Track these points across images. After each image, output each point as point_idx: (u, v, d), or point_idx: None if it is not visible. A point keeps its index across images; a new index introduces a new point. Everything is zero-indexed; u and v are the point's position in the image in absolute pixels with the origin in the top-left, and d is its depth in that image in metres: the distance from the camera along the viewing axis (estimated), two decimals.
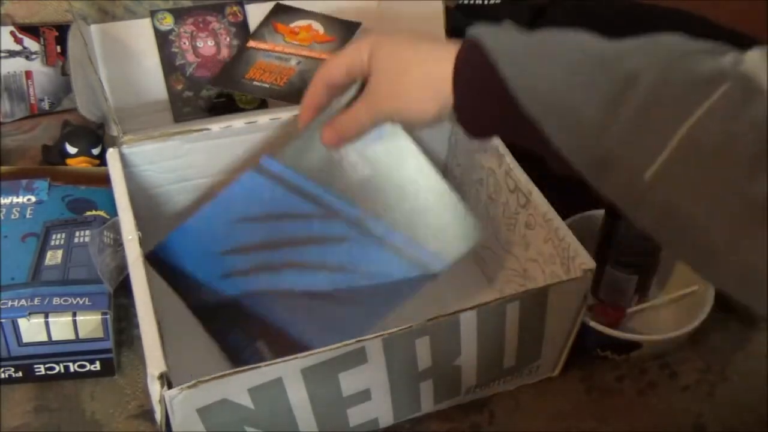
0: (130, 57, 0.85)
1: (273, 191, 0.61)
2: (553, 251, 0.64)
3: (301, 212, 0.62)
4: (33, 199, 0.73)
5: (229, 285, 0.63)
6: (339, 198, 0.62)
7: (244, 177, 0.61)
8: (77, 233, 0.71)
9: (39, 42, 0.92)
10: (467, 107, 0.52)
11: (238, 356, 0.64)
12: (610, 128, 0.43)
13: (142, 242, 0.60)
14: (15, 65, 0.91)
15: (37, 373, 0.66)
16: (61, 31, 0.92)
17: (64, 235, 0.70)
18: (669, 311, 0.74)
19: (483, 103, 0.50)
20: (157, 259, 0.63)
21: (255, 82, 0.84)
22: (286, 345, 0.62)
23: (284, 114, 0.73)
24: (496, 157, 0.70)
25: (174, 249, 0.63)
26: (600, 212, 0.72)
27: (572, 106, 0.44)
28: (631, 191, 0.43)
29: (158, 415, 0.52)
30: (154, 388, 0.50)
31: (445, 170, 0.81)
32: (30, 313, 0.63)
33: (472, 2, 0.91)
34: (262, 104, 0.88)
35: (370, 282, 0.62)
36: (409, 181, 0.62)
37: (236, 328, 0.64)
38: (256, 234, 0.62)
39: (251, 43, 0.88)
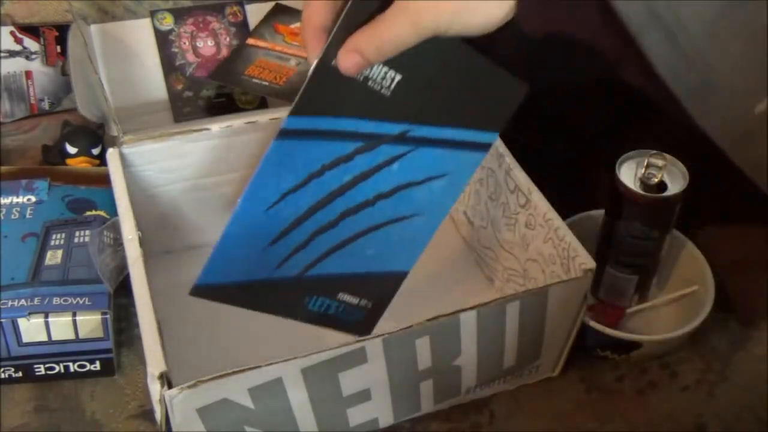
0: (130, 57, 0.86)
1: (305, 149, 0.53)
2: (553, 251, 0.64)
3: (341, 155, 0.54)
4: (33, 199, 0.73)
5: (289, 268, 0.57)
6: (375, 120, 0.54)
7: (270, 151, 0.52)
8: (77, 233, 0.71)
9: (39, 42, 0.92)
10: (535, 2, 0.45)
11: (328, 318, 0.61)
12: (722, 47, 0.37)
13: (142, 242, 0.60)
14: (15, 65, 0.91)
15: (37, 373, 0.66)
16: (61, 31, 0.92)
17: (63, 235, 0.70)
18: (669, 311, 0.74)
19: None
20: (203, 290, 0.56)
21: (254, 80, 0.83)
22: (367, 283, 0.60)
23: (284, 114, 0.72)
24: (496, 157, 0.70)
25: (218, 270, 0.56)
26: (600, 212, 0.72)
27: (679, 14, 0.37)
28: (735, 124, 0.38)
29: (158, 415, 0.52)
30: (154, 388, 0.50)
31: None
32: (30, 313, 0.63)
33: None
34: (261, 104, 0.88)
35: (429, 187, 0.58)
36: (440, 67, 0.53)
37: (313, 296, 0.59)
38: (302, 202, 0.55)
39: (251, 41, 0.88)
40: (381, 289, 0.61)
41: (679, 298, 0.74)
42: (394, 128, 0.54)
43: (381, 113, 0.53)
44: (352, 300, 0.60)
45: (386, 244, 0.59)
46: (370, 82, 0.51)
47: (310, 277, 0.58)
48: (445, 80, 0.54)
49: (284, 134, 0.52)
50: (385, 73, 0.51)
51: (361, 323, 0.60)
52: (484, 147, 0.58)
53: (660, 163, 0.67)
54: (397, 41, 0.47)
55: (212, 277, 0.55)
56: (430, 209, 0.58)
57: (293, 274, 0.57)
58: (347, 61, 0.47)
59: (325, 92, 0.51)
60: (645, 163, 0.67)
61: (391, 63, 0.51)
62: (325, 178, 0.54)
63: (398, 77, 0.51)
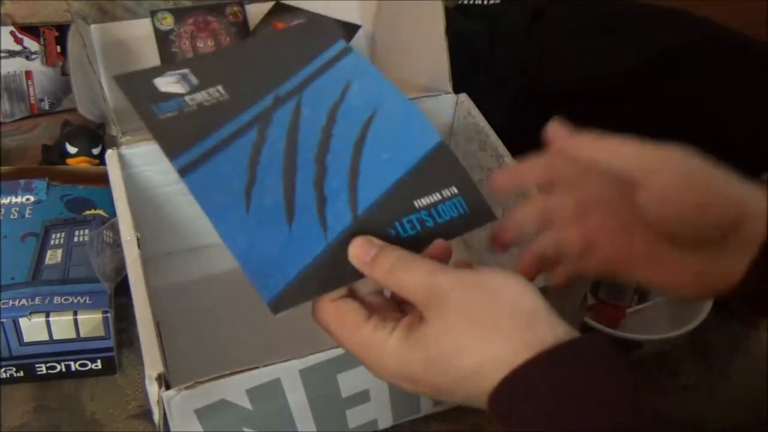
0: (130, 57, 0.85)
1: (218, 164, 0.51)
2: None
3: (254, 141, 0.53)
4: (32, 198, 0.73)
5: (336, 222, 0.51)
6: (243, 113, 0.54)
7: (192, 188, 0.50)
8: (77, 232, 0.71)
9: (39, 42, 0.92)
10: None
11: (433, 231, 0.52)
12: None
13: (141, 243, 0.60)
14: (15, 65, 0.91)
15: (38, 373, 0.66)
16: (61, 31, 0.92)
17: (63, 235, 0.70)
18: (669, 311, 0.74)
19: None
20: (280, 303, 0.48)
21: None
22: (425, 176, 0.54)
23: None
24: (495, 158, 0.70)
25: (269, 280, 0.49)
26: None
27: None
28: None
29: (156, 416, 0.52)
30: (152, 389, 0.50)
31: None
32: (31, 313, 0.63)
33: (472, 3, 0.91)
34: None
35: (351, 92, 0.57)
36: (253, 51, 0.59)
37: (394, 223, 0.51)
38: (269, 182, 0.51)
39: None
40: (443, 170, 0.54)
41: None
42: (265, 102, 0.55)
43: (242, 107, 0.54)
44: (433, 198, 0.53)
45: (390, 139, 0.54)
46: (206, 104, 0.53)
47: (366, 213, 0.51)
48: (264, 54, 0.57)
49: (185, 171, 0.50)
50: (208, 94, 0.54)
51: (470, 212, 0.53)
52: (345, 52, 0.59)
53: None
54: None
55: (272, 288, 0.48)
56: (379, 97, 0.57)
57: (348, 223, 0.50)
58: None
59: (179, 131, 0.52)
60: None
61: (204, 85, 0.54)
62: (264, 162, 0.52)
63: (219, 86, 0.54)
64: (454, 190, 0.53)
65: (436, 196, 0.53)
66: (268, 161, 0.52)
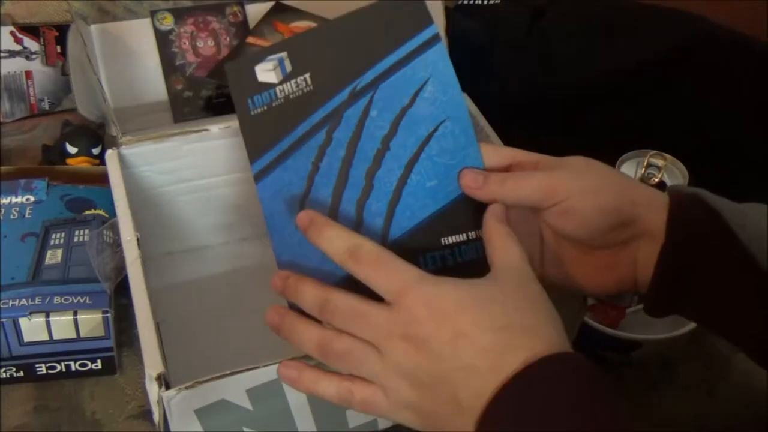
0: (130, 57, 0.85)
1: (287, 169, 0.54)
2: None
3: (319, 144, 0.54)
4: (32, 198, 0.73)
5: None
6: (320, 108, 0.54)
7: (261, 194, 0.54)
8: (77, 232, 0.71)
9: (39, 42, 0.92)
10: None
11: (453, 271, 0.52)
12: None
13: (141, 243, 0.60)
14: (15, 65, 0.91)
15: (38, 373, 0.66)
16: (61, 31, 0.92)
17: (63, 234, 0.71)
18: None
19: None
20: None
21: None
22: (456, 213, 0.54)
23: None
24: None
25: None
26: None
27: None
28: None
29: (156, 416, 0.52)
30: (152, 389, 0.50)
31: None
32: (31, 313, 0.63)
33: (471, 2, 0.91)
34: None
35: (422, 98, 0.54)
36: (337, 40, 0.57)
37: (419, 258, 0.53)
38: (321, 195, 0.53)
39: (250, 39, 0.88)
40: (476, 210, 0.53)
41: None
42: (342, 96, 0.55)
43: (320, 102, 0.55)
44: (459, 238, 0.53)
45: (441, 166, 0.53)
46: (291, 96, 0.54)
47: (394, 243, 0.52)
48: (355, 34, 0.55)
49: (259, 176, 0.54)
50: (296, 84, 0.55)
51: (483, 259, 0.52)
52: (434, 40, 0.55)
53: (660, 163, 0.67)
54: None
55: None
56: (446, 109, 0.54)
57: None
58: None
59: (264, 129, 0.54)
60: (645, 163, 0.67)
61: (295, 73, 0.55)
62: (323, 169, 0.54)
63: (307, 75, 0.54)
64: (474, 233, 0.53)
65: (462, 237, 0.53)
66: (327, 168, 0.54)
